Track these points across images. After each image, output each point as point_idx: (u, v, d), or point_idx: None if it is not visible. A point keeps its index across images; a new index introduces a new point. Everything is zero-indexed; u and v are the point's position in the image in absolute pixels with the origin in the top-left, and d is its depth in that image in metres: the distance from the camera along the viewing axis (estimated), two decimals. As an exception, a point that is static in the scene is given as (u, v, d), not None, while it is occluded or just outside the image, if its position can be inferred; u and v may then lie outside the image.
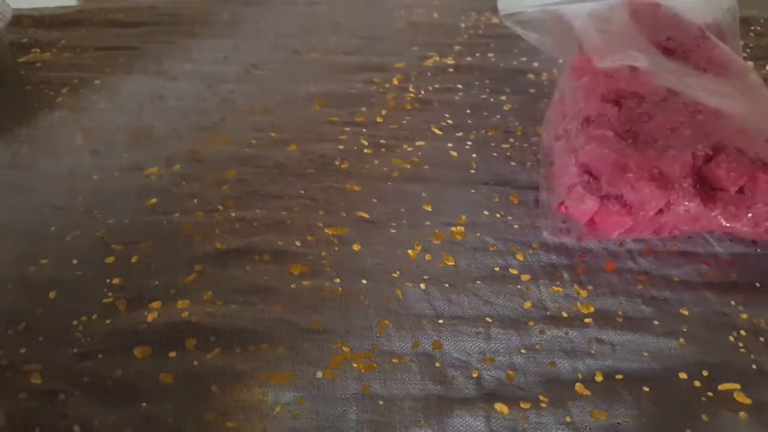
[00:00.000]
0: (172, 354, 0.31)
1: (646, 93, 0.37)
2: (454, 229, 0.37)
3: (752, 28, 0.60)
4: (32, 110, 0.45)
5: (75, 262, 0.35)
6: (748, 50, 0.55)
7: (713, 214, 0.33)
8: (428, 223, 0.38)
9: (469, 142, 0.45)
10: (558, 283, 0.34)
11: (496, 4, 0.51)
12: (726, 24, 0.44)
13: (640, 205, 0.33)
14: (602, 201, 0.34)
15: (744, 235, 0.35)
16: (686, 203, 0.33)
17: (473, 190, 0.40)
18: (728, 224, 0.34)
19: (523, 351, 0.32)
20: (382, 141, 0.45)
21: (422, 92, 0.50)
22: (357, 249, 0.36)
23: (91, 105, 0.46)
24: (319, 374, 0.30)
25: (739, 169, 0.33)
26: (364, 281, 0.34)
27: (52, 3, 0.57)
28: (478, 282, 0.35)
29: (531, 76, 0.52)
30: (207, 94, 0.47)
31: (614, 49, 0.39)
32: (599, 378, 0.31)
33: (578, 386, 0.30)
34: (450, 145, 0.44)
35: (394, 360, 0.31)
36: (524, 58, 0.55)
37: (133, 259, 0.35)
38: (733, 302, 0.34)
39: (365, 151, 0.44)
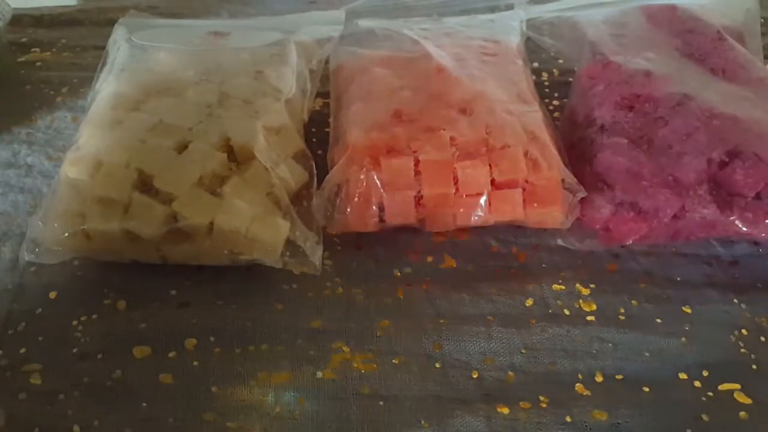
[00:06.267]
0: (172, 354, 0.31)
1: (661, 98, 0.36)
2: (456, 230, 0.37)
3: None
4: (32, 110, 0.45)
5: (75, 263, 0.35)
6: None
7: (730, 220, 0.33)
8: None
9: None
10: (560, 281, 0.34)
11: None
12: (746, 25, 0.43)
13: (655, 212, 0.33)
14: (617, 208, 0.34)
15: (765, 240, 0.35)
16: (702, 210, 0.33)
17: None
18: (747, 230, 0.33)
19: (523, 351, 0.32)
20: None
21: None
22: (358, 249, 0.36)
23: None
24: (319, 374, 0.30)
25: (757, 174, 0.33)
26: (364, 281, 0.34)
27: (52, 2, 0.57)
28: (479, 281, 0.35)
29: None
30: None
31: (631, 53, 0.39)
32: (599, 378, 0.30)
33: (578, 386, 0.30)
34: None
35: (394, 360, 0.31)
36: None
37: (133, 259, 0.35)
38: (735, 300, 0.34)
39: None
